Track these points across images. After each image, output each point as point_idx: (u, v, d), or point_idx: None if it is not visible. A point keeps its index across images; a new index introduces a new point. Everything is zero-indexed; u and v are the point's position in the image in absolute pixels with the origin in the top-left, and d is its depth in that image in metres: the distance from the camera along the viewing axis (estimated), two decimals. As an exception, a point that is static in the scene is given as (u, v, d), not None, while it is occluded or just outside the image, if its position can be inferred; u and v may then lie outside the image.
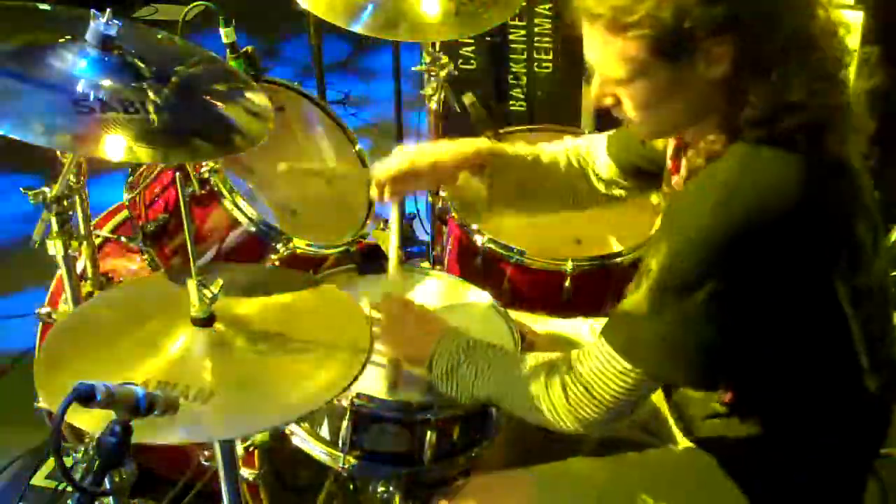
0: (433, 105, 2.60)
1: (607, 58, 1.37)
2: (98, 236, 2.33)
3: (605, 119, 1.60)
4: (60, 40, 1.68)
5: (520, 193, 1.87)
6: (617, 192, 1.86)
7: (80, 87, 1.60)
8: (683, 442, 1.67)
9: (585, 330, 1.97)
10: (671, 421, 1.72)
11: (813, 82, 1.32)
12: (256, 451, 2.06)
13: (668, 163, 1.61)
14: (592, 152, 1.86)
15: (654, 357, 1.41)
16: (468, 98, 2.62)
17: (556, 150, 1.89)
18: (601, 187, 1.87)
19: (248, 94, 1.85)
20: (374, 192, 1.86)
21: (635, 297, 1.41)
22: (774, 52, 1.32)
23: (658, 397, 1.77)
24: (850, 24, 1.38)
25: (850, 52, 1.37)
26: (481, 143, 1.86)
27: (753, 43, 1.31)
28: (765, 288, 1.35)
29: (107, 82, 1.63)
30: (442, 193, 2.41)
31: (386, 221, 3.07)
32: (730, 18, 1.29)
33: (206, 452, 2.03)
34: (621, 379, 1.43)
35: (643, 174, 1.78)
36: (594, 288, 2.25)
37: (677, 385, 1.64)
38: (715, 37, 1.30)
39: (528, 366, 1.56)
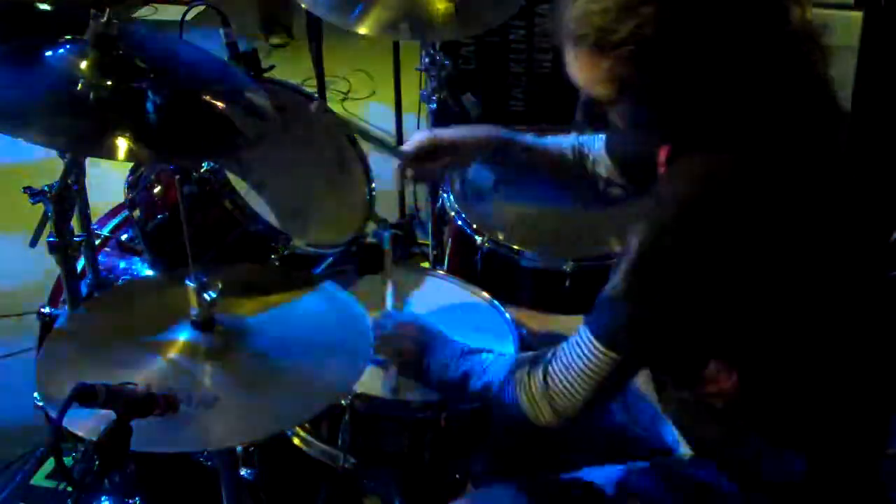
0: (433, 105, 2.60)
1: (594, 78, 1.38)
2: (98, 236, 2.33)
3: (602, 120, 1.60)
4: (60, 40, 1.68)
5: (533, 181, 1.87)
6: (615, 191, 1.86)
7: (80, 87, 1.60)
8: (688, 451, 1.67)
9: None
10: (675, 429, 1.71)
11: (800, 76, 1.34)
12: (256, 451, 2.07)
13: (661, 168, 1.62)
14: (593, 150, 1.86)
15: (630, 341, 1.41)
16: (468, 98, 2.62)
17: (562, 144, 1.90)
18: (600, 186, 1.87)
19: (248, 94, 1.85)
20: (396, 175, 1.86)
21: (613, 281, 1.42)
22: (757, 55, 1.33)
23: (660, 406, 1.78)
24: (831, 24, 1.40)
25: (827, 49, 1.38)
26: (494, 129, 1.87)
27: (735, 50, 1.32)
28: (746, 274, 1.35)
29: (107, 82, 1.63)
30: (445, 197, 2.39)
31: (385, 220, 3.08)
32: (712, 29, 1.30)
33: (205, 452, 2.03)
34: (597, 364, 1.43)
35: (641, 174, 1.78)
36: (594, 288, 2.24)
37: (654, 369, 1.64)
38: (700, 47, 1.31)
39: (515, 359, 1.57)
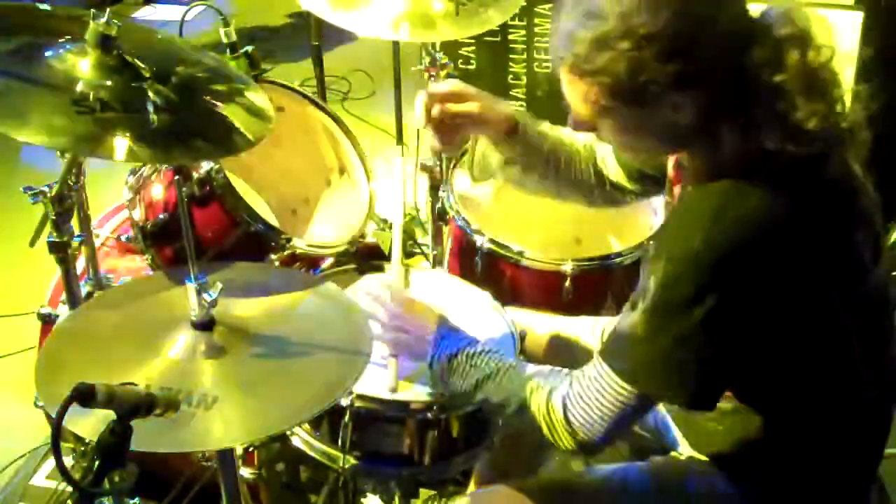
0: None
1: (573, 97, 1.41)
2: (98, 236, 2.33)
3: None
4: (60, 40, 1.68)
5: (543, 168, 1.84)
6: (620, 195, 1.86)
7: (79, 87, 1.60)
8: (688, 450, 1.67)
9: (586, 330, 1.97)
10: (675, 429, 1.71)
11: (789, 129, 1.32)
12: (256, 451, 2.07)
13: (671, 172, 1.62)
14: (600, 152, 1.86)
15: (652, 377, 1.42)
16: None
17: (577, 137, 1.89)
18: (608, 187, 1.87)
19: (248, 94, 1.85)
20: (420, 115, 1.74)
21: (632, 318, 1.41)
22: (742, 103, 1.33)
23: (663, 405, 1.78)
24: (838, 67, 1.37)
25: (832, 91, 1.35)
26: (519, 109, 1.85)
27: (716, 95, 1.32)
28: (759, 307, 1.36)
29: (107, 82, 1.63)
30: (445, 195, 2.39)
31: (386, 221, 3.08)
32: (687, 74, 1.30)
33: (205, 452, 2.04)
34: (619, 399, 1.43)
35: (648, 178, 1.78)
36: (594, 288, 2.25)
37: (675, 404, 1.64)
38: (674, 90, 1.31)
39: (530, 382, 1.55)
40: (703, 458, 1.62)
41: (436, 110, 1.72)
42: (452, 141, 1.76)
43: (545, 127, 1.85)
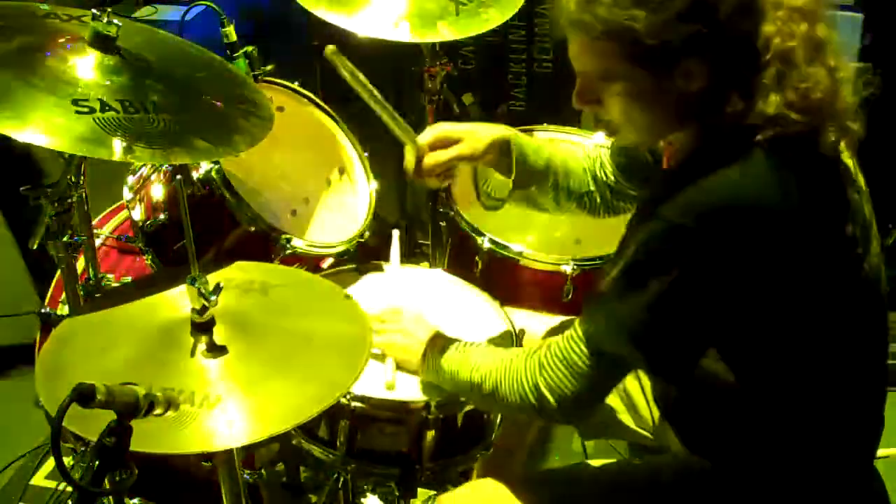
0: (433, 105, 2.60)
1: (588, 61, 1.41)
2: (98, 236, 2.33)
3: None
4: (60, 40, 1.68)
5: (543, 182, 1.85)
6: (622, 202, 1.86)
7: (80, 87, 1.60)
8: (685, 448, 1.67)
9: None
10: (672, 427, 1.71)
11: (792, 97, 1.33)
12: (256, 451, 2.07)
13: (664, 163, 1.62)
14: (601, 160, 1.86)
15: (617, 338, 1.42)
16: (468, 98, 2.62)
17: (574, 151, 1.89)
18: (609, 195, 1.87)
19: (248, 94, 1.85)
20: (410, 165, 1.78)
21: (607, 278, 1.43)
22: (751, 70, 1.34)
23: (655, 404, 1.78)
24: (837, 40, 1.39)
25: (836, 66, 1.37)
26: (507, 128, 1.85)
27: (730, 61, 1.34)
28: (731, 282, 1.36)
29: (107, 82, 1.63)
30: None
31: (385, 220, 3.08)
32: (706, 37, 1.31)
33: (205, 452, 2.04)
34: (588, 362, 1.45)
35: (641, 175, 1.78)
36: (594, 288, 2.25)
37: (642, 370, 1.64)
38: (691, 53, 1.33)
39: (514, 354, 1.58)
40: (699, 456, 1.62)
41: (426, 162, 1.76)
42: (448, 175, 1.81)
43: (540, 141, 1.86)
